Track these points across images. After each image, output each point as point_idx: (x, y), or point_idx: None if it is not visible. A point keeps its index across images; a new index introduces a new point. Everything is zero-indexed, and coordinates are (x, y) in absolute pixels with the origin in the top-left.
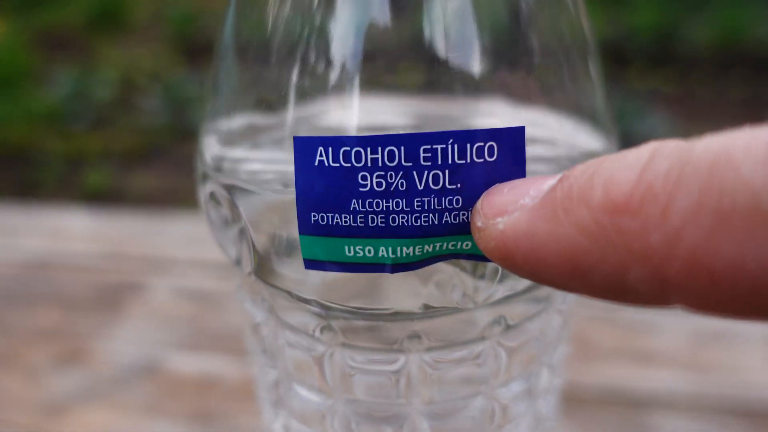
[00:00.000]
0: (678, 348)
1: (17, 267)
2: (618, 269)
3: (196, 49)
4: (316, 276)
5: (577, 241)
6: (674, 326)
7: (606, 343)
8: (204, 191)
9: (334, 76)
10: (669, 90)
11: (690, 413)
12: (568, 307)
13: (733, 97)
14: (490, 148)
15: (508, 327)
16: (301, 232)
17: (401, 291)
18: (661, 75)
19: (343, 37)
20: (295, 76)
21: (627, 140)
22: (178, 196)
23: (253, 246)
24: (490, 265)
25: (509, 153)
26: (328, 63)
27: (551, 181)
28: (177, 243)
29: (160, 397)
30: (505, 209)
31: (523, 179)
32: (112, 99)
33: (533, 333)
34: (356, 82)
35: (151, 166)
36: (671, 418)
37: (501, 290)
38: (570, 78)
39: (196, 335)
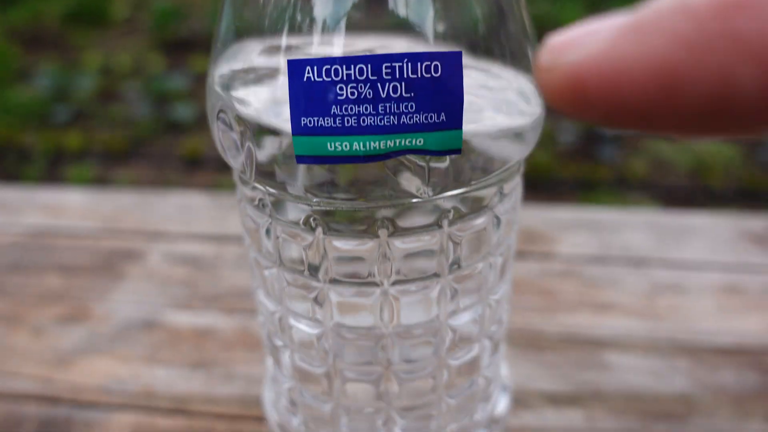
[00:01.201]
0: (635, 299)
1: (19, 237)
2: (722, 74)
3: (178, 44)
4: (306, 171)
5: (672, 53)
6: (634, 280)
7: (569, 296)
8: (213, 113)
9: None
10: None
11: (642, 352)
12: (506, 210)
13: None
14: (435, 66)
15: (458, 218)
16: (293, 134)
17: (371, 182)
18: None
19: None
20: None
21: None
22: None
23: (256, 154)
24: (442, 160)
25: (450, 70)
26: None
27: (626, 14)
28: (168, 217)
29: (159, 348)
30: (578, 41)
31: (591, 21)
32: (93, 93)
33: (479, 227)
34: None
35: (134, 161)
36: (626, 356)
37: (450, 183)
38: (510, 48)
39: (190, 296)
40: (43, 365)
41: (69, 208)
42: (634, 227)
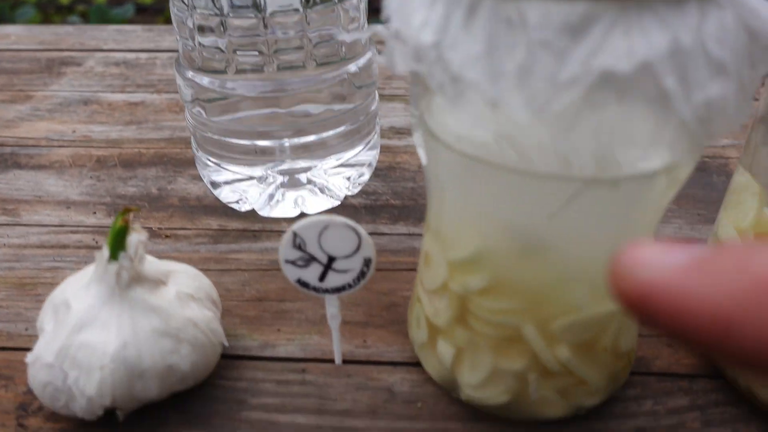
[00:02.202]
0: None
1: None
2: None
3: None
4: None
5: (728, 308)
6: None
7: None
8: None
9: None
10: None
11: None
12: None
13: None
14: None
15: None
16: None
17: None
18: None
19: None
20: None
21: None
22: None
23: None
24: None
25: None
26: None
27: (702, 247)
28: (105, 38)
29: (97, 114)
30: (652, 261)
31: (669, 241)
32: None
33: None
34: None
35: None
36: None
37: None
38: None
39: (125, 84)
40: None
41: (10, 36)
42: None
